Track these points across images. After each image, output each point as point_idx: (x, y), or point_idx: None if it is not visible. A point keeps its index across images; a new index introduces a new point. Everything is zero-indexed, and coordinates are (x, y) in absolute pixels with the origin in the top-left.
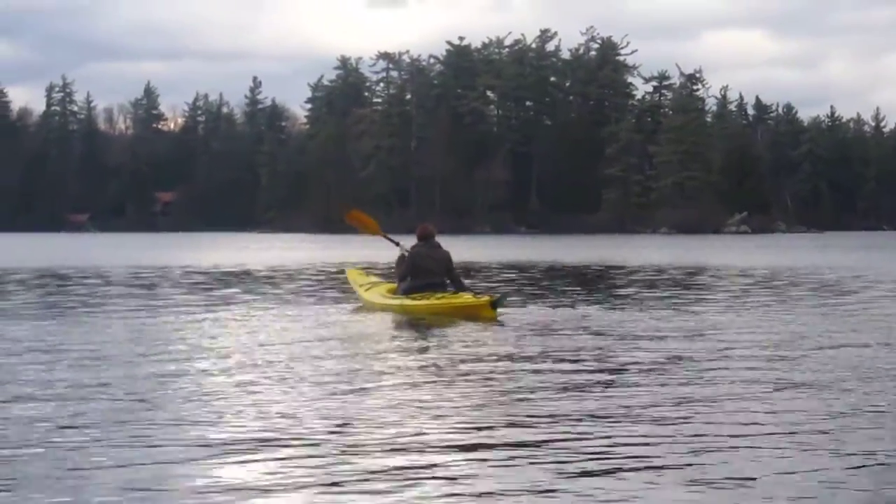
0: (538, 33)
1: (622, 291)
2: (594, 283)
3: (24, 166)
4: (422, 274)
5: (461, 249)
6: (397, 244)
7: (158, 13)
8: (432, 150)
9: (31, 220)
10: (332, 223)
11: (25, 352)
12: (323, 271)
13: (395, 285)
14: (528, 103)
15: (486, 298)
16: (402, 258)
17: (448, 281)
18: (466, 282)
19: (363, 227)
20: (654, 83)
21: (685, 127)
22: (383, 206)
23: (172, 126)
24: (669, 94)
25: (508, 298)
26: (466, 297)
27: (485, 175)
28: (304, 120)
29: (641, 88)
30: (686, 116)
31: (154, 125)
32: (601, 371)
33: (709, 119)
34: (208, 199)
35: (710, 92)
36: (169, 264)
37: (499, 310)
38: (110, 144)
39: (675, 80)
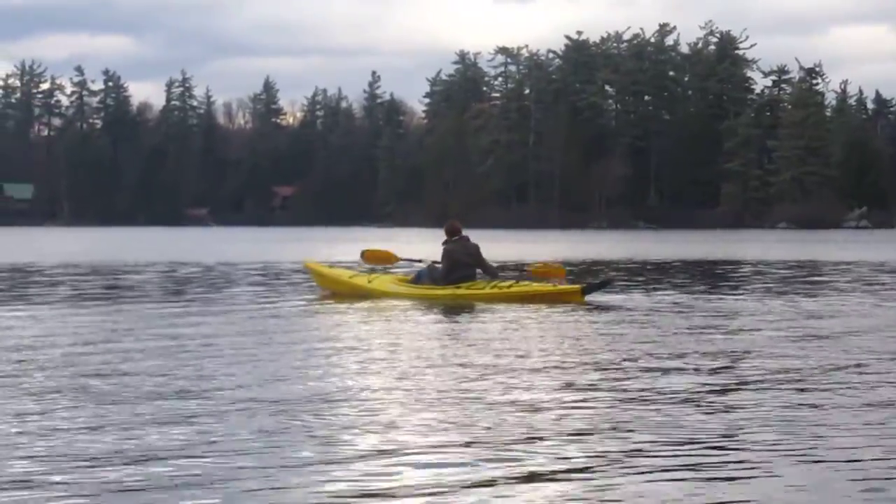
0: (657, 27)
1: (754, 286)
2: (723, 277)
3: (144, 161)
4: (458, 268)
5: (580, 245)
6: (419, 261)
7: (284, 10)
8: (550, 144)
9: (152, 214)
10: (449, 218)
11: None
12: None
13: (394, 276)
14: (646, 98)
15: (577, 286)
16: (429, 268)
17: (480, 271)
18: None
19: (381, 262)
20: (773, 77)
21: (804, 121)
22: (501, 201)
23: (291, 121)
24: (789, 89)
25: (610, 285)
26: (556, 285)
27: (603, 170)
28: (423, 114)
29: (760, 83)
30: (805, 111)
31: (273, 120)
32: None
33: (828, 113)
34: (326, 194)
35: (829, 86)
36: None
37: (587, 297)
38: (229, 139)
39: (794, 74)
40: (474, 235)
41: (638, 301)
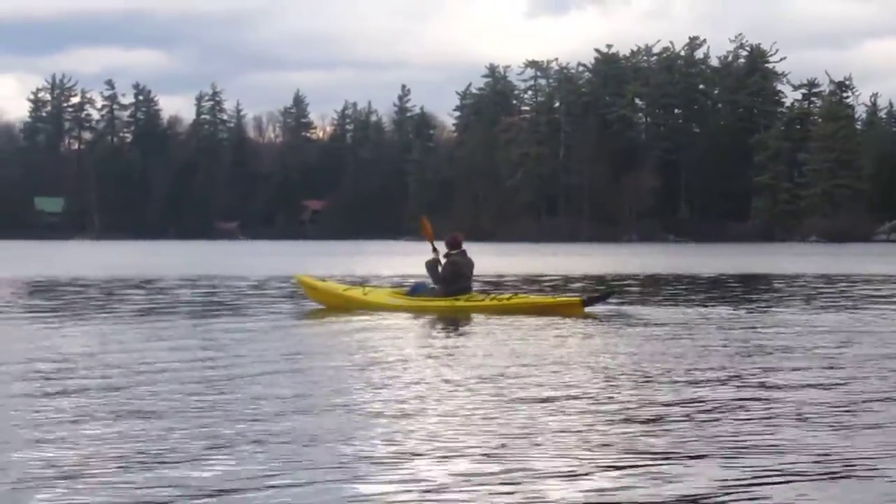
0: (687, 41)
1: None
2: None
3: (174, 175)
4: (460, 279)
5: (610, 258)
6: (435, 250)
7: (314, 24)
8: (580, 157)
9: (182, 227)
10: (479, 231)
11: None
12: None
13: (389, 289)
14: (676, 111)
15: (578, 297)
16: (434, 262)
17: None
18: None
19: (427, 234)
20: (804, 91)
21: (835, 135)
22: (531, 214)
23: (321, 134)
24: (819, 102)
25: (610, 298)
26: (558, 297)
27: (633, 183)
28: (453, 128)
29: (790, 96)
30: (835, 124)
31: (303, 133)
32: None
33: (858, 127)
34: (356, 207)
35: (859, 100)
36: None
37: (587, 308)
38: (259, 153)
39: (825, 87)
40: (504, 249)
41: (645, 314)
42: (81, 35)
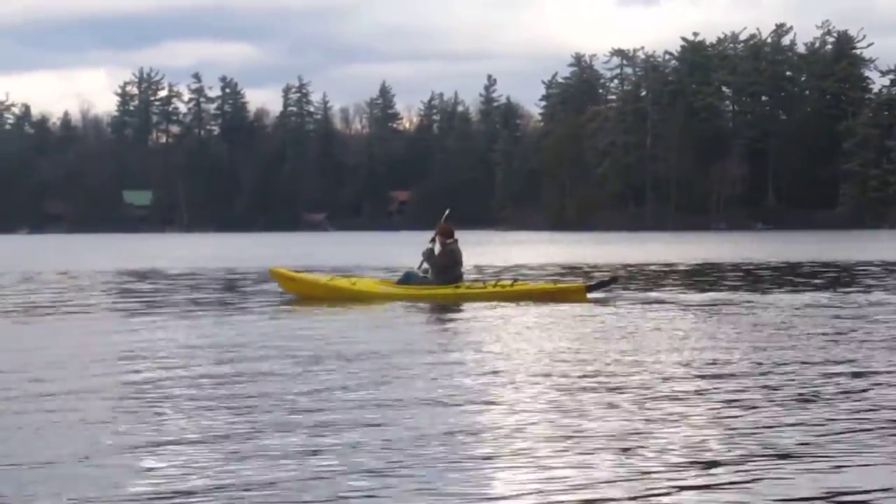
0: (773, 28)
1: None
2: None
3: (262, 167)
4: (456, 267)
5: (698, 247)
6: (433, 240)
7: (402, 16)
8: (667, 146)
9: (269, 219)
10: (566, 221)
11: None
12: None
13: (376, 278)
14: (763, 98)
15: (581, 283)
16: (430, 250)
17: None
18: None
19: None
20: (891, 76)
21: None
22: (618, 204)
23: (407, 125)
24: None
25: (613, 284)
26: (563, 283)
27: (720, 171)
28: (539, 117)
29: (878, 82)
30: None
31: (389, 125)
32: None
33: None
34: (443, 198)
35: None
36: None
37: (589, 295)
38: (346, 144)
39: None
40: (591, 238)
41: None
42: (172, 29)
